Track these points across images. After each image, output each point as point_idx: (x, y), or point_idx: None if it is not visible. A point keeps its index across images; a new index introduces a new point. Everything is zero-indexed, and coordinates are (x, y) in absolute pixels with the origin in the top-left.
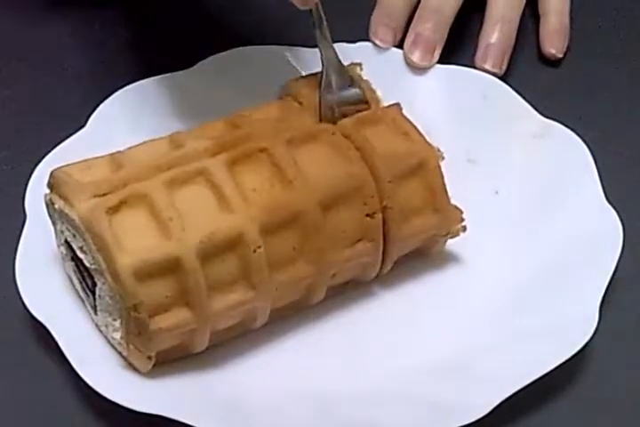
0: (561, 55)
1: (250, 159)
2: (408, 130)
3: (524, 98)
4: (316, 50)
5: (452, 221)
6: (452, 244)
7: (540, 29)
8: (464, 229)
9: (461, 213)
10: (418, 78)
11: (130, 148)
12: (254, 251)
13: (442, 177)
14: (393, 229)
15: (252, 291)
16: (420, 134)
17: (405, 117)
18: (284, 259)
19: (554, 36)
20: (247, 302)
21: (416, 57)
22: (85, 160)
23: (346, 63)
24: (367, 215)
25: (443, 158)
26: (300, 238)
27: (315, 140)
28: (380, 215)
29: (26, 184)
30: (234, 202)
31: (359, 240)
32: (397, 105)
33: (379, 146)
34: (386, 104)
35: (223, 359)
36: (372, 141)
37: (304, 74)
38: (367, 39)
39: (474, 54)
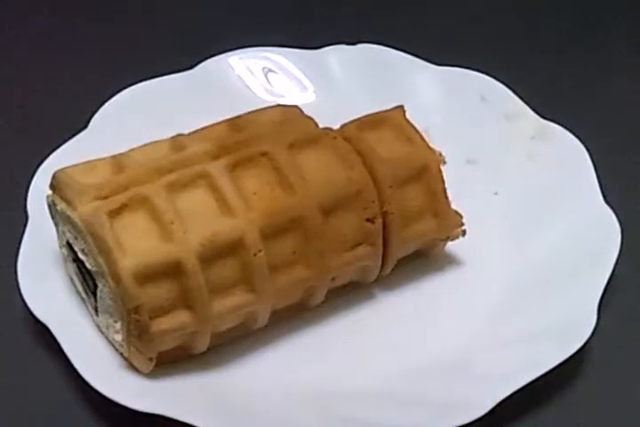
0: None
1: (251, 163)
2: (410, 134)
3: (522, 99)
4: (316, 51)
5: (452, 225)
6: (451, 245)
7: None
8: (464, 233)
9: (461, 217)
10: (416, 79)
11: (132, 149)
12: (255, 254)
13: (443, 182)
14: (393, 233)
15: (252, 294)
16: (422, 139)
17: (408, 121)
18: (284, 262)
19: None
20: (247, 304)
21: None
22: (88, 161)
23: (346, 64)
24: (367, 220)
25: (444, 163)
26: (300, 242)
27: (316, 145)
28: (380, 220)
29: (28, 185)
30: (235, 205)
31: (359, 244)
32: (401, 107)
33: (380, 150)
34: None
35: (224, 360)
36: (373, 146)
37: (303, 75)
38: (367, 40)
39: (473, 54)
